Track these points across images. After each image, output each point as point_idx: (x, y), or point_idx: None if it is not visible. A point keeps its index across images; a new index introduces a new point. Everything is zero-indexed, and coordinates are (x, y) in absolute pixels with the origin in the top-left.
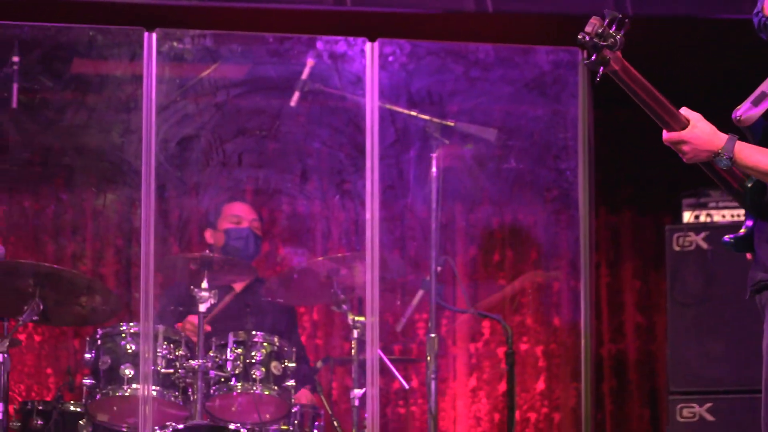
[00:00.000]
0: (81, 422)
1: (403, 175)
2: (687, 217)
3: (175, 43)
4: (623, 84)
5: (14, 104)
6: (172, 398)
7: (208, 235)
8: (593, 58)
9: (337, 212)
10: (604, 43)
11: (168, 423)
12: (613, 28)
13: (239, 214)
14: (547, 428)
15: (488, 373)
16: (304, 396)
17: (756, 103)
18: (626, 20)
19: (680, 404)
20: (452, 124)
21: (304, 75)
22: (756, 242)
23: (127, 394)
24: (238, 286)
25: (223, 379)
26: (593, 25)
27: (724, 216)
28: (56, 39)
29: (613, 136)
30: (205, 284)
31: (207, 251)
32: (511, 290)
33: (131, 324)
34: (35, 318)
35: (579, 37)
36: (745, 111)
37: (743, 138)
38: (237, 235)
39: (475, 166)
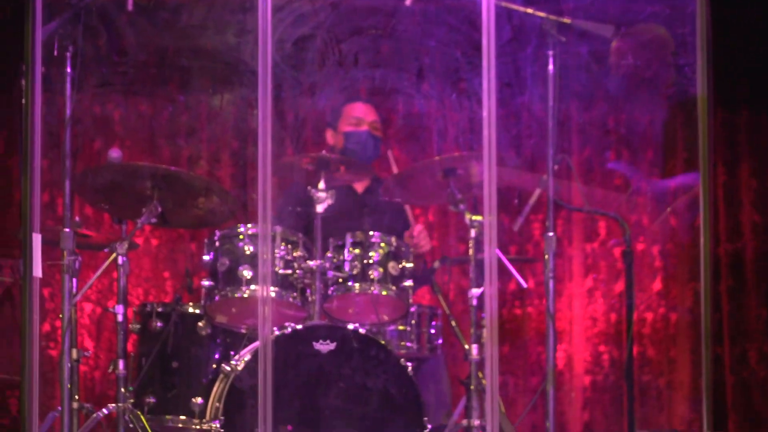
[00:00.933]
0: (200, 324)
1: (519, 73)
2: None
3: None
4: None
5: (130, 6)
6: (291, 299)
7: (329, 136)
8: None
9: (454, 111)
10: None
11: (286, 324)
12: None
13: (359, 116)
14: (664, 328)
15: (604, 273)
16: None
17: None
18: None
19: None
20: (569, 21)
21: None
22: None
23: (245, 295)
24: (359, 187)
25: (340, 280)
26: None
27: None
28: None
29: (729, 33)
30: (321, 185)
31: (323, 152)
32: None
33: (249, 225)
34: (153, 220)
35: None
36: None
37: None
38: (356, 139)
39: (592, 63)
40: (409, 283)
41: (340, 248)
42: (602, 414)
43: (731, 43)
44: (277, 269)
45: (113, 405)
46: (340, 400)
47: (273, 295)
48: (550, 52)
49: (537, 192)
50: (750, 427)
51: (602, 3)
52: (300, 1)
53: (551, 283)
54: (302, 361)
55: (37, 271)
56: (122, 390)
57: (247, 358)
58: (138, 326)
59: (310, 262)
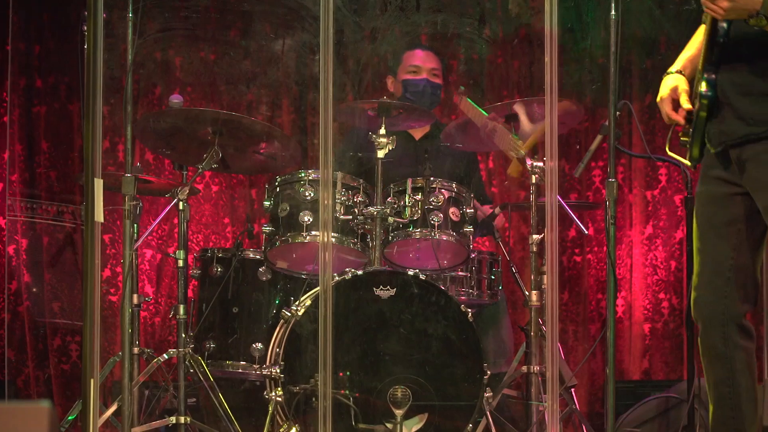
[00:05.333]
0: (260, 269)
1: (582, 18)
2: None
3: None
4: None
5: None
6: (351, 245)
7: (389, 83)
8: None
9: (515, 56)
10: None
11: (347, 269)
12: None
13: (418, 64)
14: None
15: (665, 221)
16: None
17: None
18: None
19: None
20: None
21: None
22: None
23: (306, 240)
24: (417, 133)
25: (401, 225)
26: None
27: None
28: None
29: None
30: (382, 130)
31: (384, 97)
32: None
33: (310, 171)
34: (214, 166)
35: None
36: None
37: None
38: (414, 88)
39: (655, 8)
40: (469, 228)
41: (401, 193)
42: (662, 362)
43: None
44: (337, 215)
45: (173, 350)
46: (400, 345)
47: (333, 240)
48: None
49: (598, 138)
50: None
51: None
52: None
53: (612, 230)
54: (362, 307)
55: (99, 216)
56: (182, 335)
57: (308, 303)
58: (198, 272)
59: (371, 208)
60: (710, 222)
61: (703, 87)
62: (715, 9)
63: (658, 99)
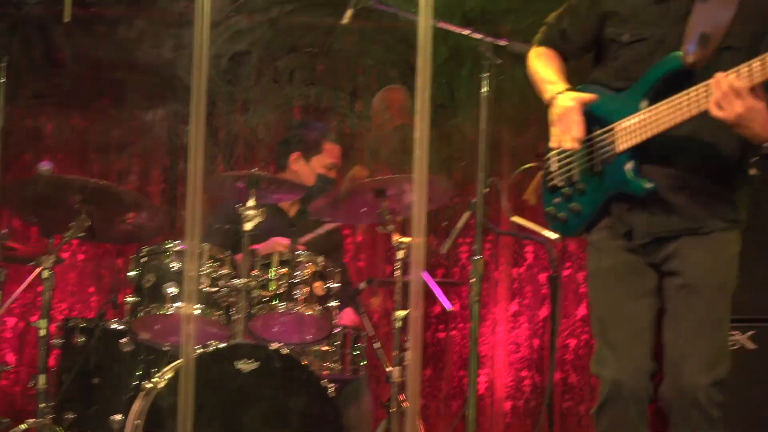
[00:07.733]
0: (123, 340)
1: (453, 95)
2: None
3: None
4: None
5: (67, 18)
6: (215, 317)
7: (294, 160)
8: None
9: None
10: None
11: (210, 342)
12: None
13: (335, 162)
14: (587, 354)
15: (529, 298)
16: (348, 317)
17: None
18: None
19: None
20: (505, 43)
21: None
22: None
23: (169, 312)
24: (290, 207)
25: (265, 299)
26: None
27: None
28: None
29: None
30: (251, 202)
31: (255, 169)
32: None
33: (176, 242)
34: (82, 234)
35: None
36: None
37: None
38: (327, 186)
39: (527, 87)
40: (334, 303)
41: (266, 266)
42: None
43: None
44: (202, 287)
45: (32, 420)
46: (261, 420)
47: (197, 312)
48: (485, 75)
49: (466, 215)
50: None
51: (540, 26)
52: (237, 16)
53: (476, 307)
54: (224, 380)
55: None
56: (41, 405)
57: (169, 375)
58: (61, 341)
59: (236, 281)
60: (627, 291)
61: (638, 179)
62: (725, 112)
63: (559, 111)
